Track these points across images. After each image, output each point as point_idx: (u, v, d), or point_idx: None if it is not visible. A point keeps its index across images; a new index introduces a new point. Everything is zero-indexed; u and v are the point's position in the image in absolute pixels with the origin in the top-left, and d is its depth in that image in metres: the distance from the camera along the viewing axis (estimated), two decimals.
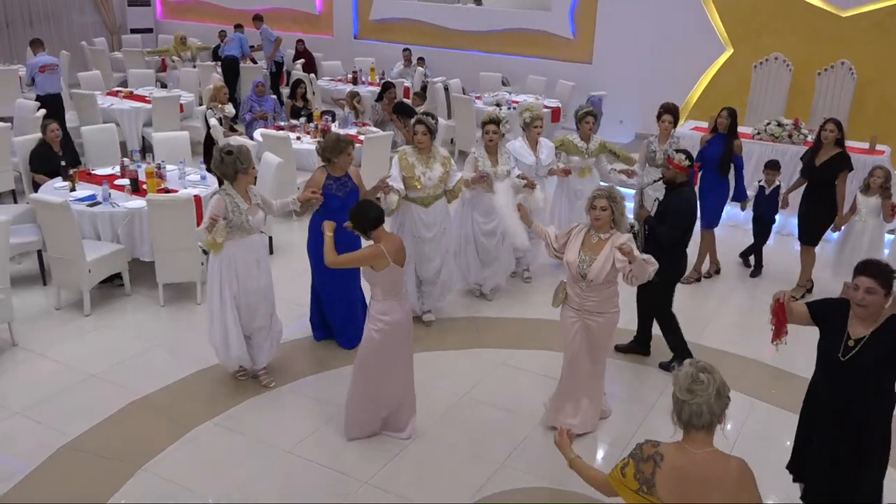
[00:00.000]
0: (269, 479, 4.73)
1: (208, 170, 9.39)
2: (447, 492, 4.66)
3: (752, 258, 8.18)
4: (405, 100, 11.08)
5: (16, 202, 9.07)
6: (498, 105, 11.79)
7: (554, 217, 7.90)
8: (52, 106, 10.37)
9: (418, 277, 6.58)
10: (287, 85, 14.16)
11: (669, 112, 7.65)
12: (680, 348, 5.93)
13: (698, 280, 7.84)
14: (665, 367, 5.97)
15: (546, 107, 11.88)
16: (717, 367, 2.94)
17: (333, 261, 4.81)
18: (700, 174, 7.70)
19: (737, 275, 8.10)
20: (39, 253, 7.11)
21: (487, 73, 13.62)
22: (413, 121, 6.46)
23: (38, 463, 4.76)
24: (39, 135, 7.98)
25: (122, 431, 5.10)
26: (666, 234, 5.69)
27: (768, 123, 9.90)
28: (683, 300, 7.10)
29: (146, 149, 11.03)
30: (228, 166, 5.26)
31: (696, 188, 7.54)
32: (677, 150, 5.76)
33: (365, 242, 4.93)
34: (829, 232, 7.53)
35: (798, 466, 4.29)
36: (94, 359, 5.95)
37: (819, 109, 10.97)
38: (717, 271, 8.03)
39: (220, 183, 5.58)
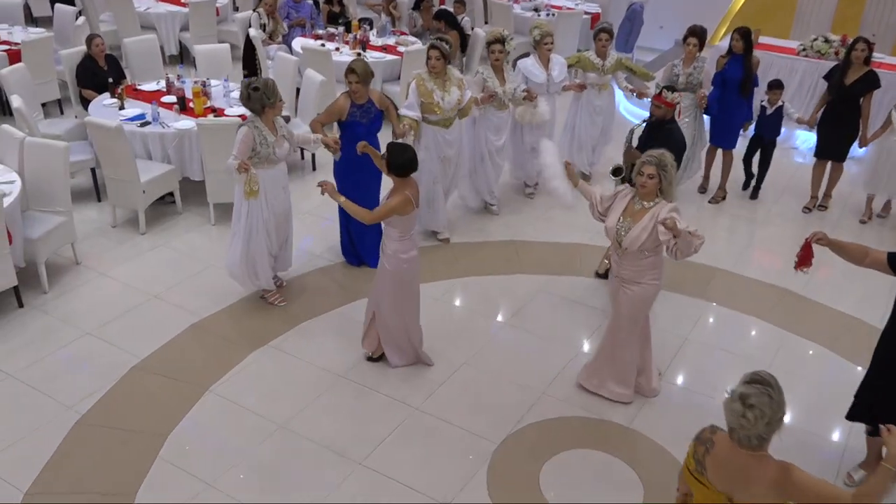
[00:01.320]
0: (326, 403, 5.09)
1: (248, 76, 9.54)
2: (492, 420, 5.00)
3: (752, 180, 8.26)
4: (444, 7, 10.89)
5: (62, 112, 9.25)
6: (536, 10, 11.61)
7: (574, 132, 8.10)
8: None
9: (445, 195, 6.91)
10: None
11: (695, 35, 7.54)
12: None
13: (724, 197, 8.07)
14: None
15: (586, 12, 11.65)
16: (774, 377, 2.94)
17: (370, 217, 4.86)
18: (716, 95, 7.68)
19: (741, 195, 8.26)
20: (93, 170, 7.33)
21: None
22: (427, 45, 6.55)
23: (114, 382, 5.15)
24: (84, 48, 8.05)
25: (187, 354, 5.46)
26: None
27: (815, 39, 9.69)
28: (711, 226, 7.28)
29: (183, 54, 11.08)
30: (255, 102, 5.42)
31: (706, 110, 7.70)
32: (666, 87, 5.71)
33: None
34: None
35: (863, 412, 4.40)
36: (153, 279, 6.27)
37: (869, 22, 10.66)
38: (705, 190, 8.22)
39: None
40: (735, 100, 7.66)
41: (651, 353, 5.17)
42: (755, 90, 7.77)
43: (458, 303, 6.20)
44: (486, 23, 12.21)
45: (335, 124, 6.24)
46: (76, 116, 8.29)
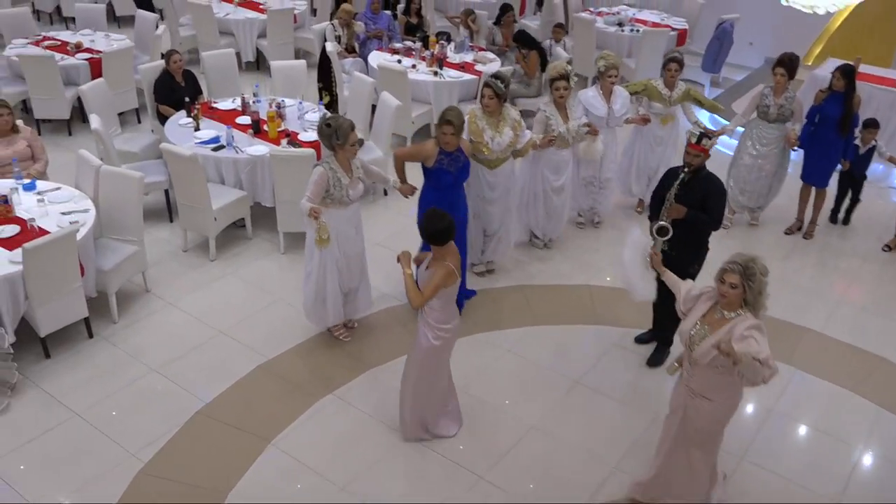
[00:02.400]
0: (389, 463, 4.93)
1: (322, 89, 9.45)
2: (563, 491, 4.77)
3: (839, 215, 7.93)
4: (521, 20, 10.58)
5: (139, 121, 9.30)
6: (620, 25, 11.18)
7: (633, 163, 7.77)
8: None
9: (484, 234, 6.63)
10: None
11: (782, 65, 7.13)
12: (667, 337, 5.82)
13: (799, 230, 7.78)
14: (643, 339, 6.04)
15: (672, 28, 11.18)
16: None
17: (419, 301, 4.53)
18: (811, 130, 7.35)
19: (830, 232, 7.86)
20: (167, 190, 7.31)
21: None
22: (481, 84, 6.22)
23: (177, 428, 5.09)
24: (163, 63, 8.03)
25: (251, 399, 5.37)
26: (713, 221, 5.29)
27: None
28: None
29: (259, 61, 11.05)
30: (326, 139, 5.33)
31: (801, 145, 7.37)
32: (703, 134, 5.22)
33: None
34: None
35: None
36: (221, 312, 6.21)
37: None
38: (800, 229, 7.80)
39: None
40: (831, 138, 7.27)
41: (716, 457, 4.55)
42: (855, 132, 7.35)
43: (529, 355, 5.96)
44: (566, 34, 11.83)
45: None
46: (152, 130, 8.29)
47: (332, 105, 9.44)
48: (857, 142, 7.44)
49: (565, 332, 6.22)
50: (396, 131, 8.53)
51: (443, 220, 4.51)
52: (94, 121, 6.93)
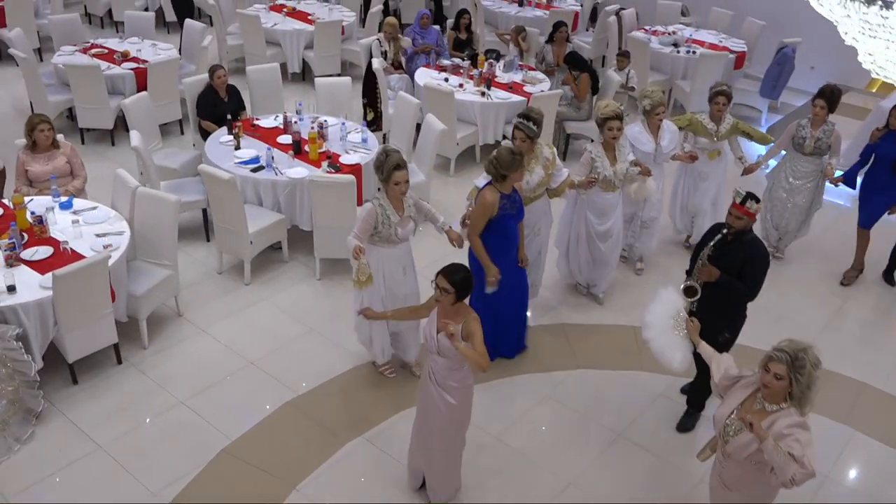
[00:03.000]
0: None
1: (367, 106, 9.27)
2: None
3: None
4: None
5: (182, 132, 9.23)
6: (675, 46, 10.81)
7: (676, 199, 7.39)
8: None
9: None
10: None
11: (823, 97, 6.79)
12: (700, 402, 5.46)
13: (857, 276, 7.35)
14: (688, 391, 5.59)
15: (730, 50, 10.77)
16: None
17: (486, 360, 4.15)
18: (858, 169, 7.07)
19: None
20: (205, 210, 7.19)
21: (666, 1, 12.42)
22: (513, 125, 5.75)
23: (203, 466, 4.93)
24: (206, 77, 7.92)
25: (278, 438, 5.18)
26: (750, 291, 4.79)
27: None
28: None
29: (305, 72, 10.92)
30: (376, 170, 5.14)
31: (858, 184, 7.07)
32: (749, 195, 4.68)
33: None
34: None
35: None
36: (253, 341, 6.05)
37: None
38: (857, 276, 7.38)
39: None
40: (886, 179, 6.89)
41: None
42: None
43: (570, 402, 5.68)
44: (629, 61, 11.46)
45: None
46: (194, 145, 8.20)
47: (375, 122, 9.27)
48: None
49: (608, 379, 5.93)
50: (441, 152, 8.33)
51: (458, 272, 4.17)
52: (135, 138, 6.84)
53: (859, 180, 7.15)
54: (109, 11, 12.67)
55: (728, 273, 4.77)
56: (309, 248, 6.92)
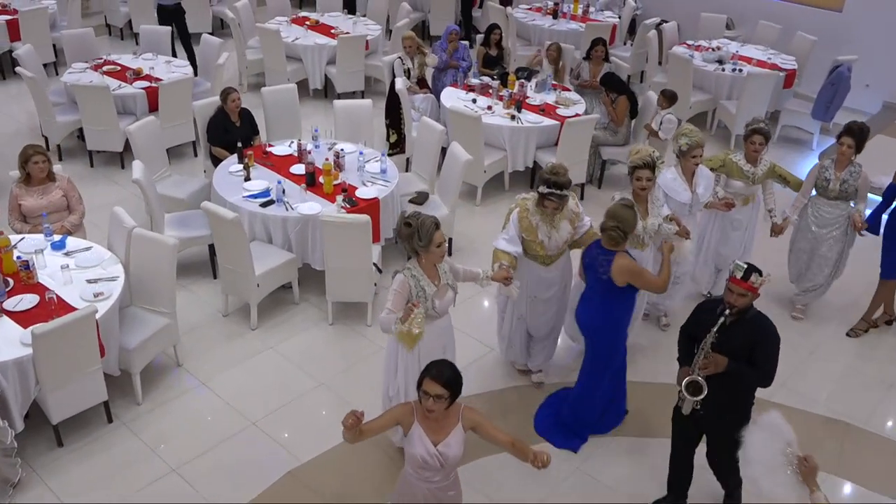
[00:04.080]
0: None
1: (389, 127, 8.73)
2: None
3: None
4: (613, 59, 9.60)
5: (195, 154, 8.78)
6: (720, 63, 10.12)
7: (701, 248, 6.51)
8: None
9: (529, 334, 5.66)
10: (480, 6, 12.98)
11: (850, 134, 6.04)
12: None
13: (867, 330, 6.61)
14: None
15: (779, 68, 10.06)
16: None
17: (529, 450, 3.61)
18: (881, 210, 6.32)
19: None
20: (212, 244, 6.71)
21: (710, 14, 11.71)
22: (538, 191, 5.12)
23: None
24: (218, 100, 7.44)
25: None
26: (765, 377, 4.12)
27: None
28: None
29: (327, 88, 10.42)
30: (406, 241, 4.47)
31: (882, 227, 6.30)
32: (752, 267, 4.01)
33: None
34: None
35: None
36: (257, 397, 5.54)
37: None
38: (890, 322, 6.66)
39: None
40: None
41: None
42: None
43: (601, 476, 5.09)
44: (659, 64, 10.85)
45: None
46: (205, 172, 7.73)
47: (399, 144, 8.74)
48: None
49: (637, 446, 5.32)
50: (467, 180, 7.76)
51: (448, 364, 3.64)
52: (137, 170, 6.37)
53: (883, 222, 6.35)
54: (129, 22, 12.28)
55: (736, 358, 4.09)
56: (322, 287, 6.38)
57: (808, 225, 6.36)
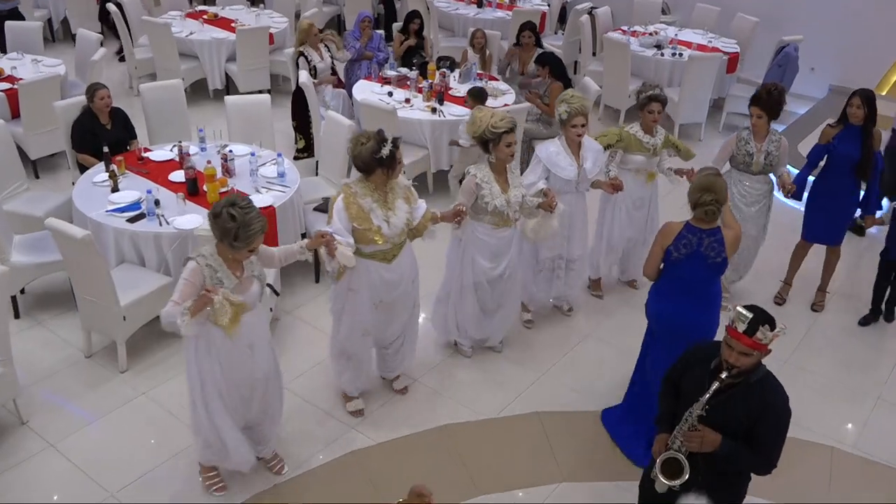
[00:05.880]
0: None
1: (297, 130, 7.70)
2: None
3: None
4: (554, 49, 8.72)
5: (70, 167, 7.55)
6: (658, 48, 9.37)
7: (602, 235, 5.89)
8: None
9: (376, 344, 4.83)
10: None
11: (757, 103, 5.43)
12: None
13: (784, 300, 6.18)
14: None
15: (721, 52, 9.32)
16: None
17: None
18: (805, 175, 5.90)
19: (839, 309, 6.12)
20: None
21: None
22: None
23: None
24: (84, 99, 6.29)
25: None
26: (767, 461, 3.16)
27: None
28: None
29: (230, 88, 9.29)
30: (220, 231, 3.63)
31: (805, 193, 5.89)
32: (762, 315, 3.04)
33: None
34: None
35: None
36: (120, 460, 4.42)
37: None
38: (784, 301, 6.18)
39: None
40: (846, 184, 5.73)
41: None
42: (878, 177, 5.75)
43: None
44: (593, 55, 10.04)
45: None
46: (73, 184, 6.53)
47: (307, 150, 7.68)
48: None
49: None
50: None
51: None
52: None
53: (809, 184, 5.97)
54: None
55: (729, 434, 3.14)
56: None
57: (735, 204, 5.59)
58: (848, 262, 6.51)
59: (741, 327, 3.01)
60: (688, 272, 4.16)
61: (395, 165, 4.20)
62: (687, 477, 3.15)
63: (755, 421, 3.09)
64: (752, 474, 3.31)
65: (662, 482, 3.18)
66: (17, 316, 5.55)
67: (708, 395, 3.09)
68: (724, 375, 3.07)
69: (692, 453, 3.17)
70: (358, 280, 4.34)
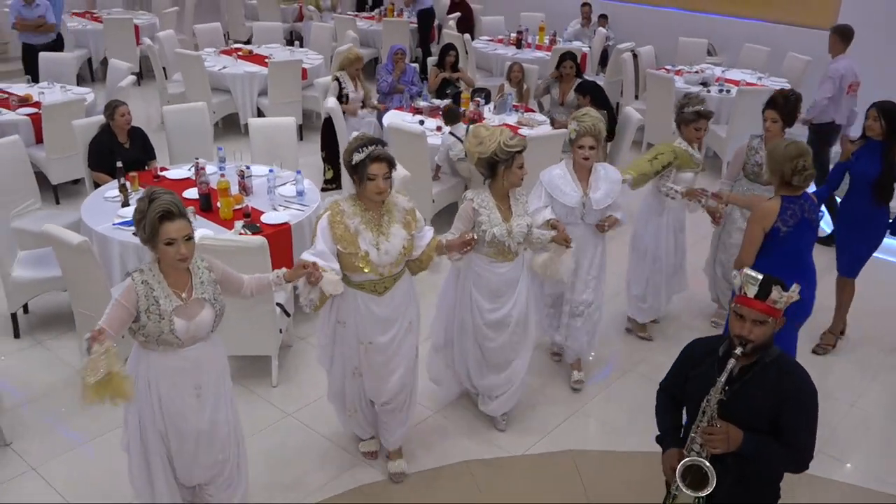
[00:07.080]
0: None
1: (326, 161, 7.45)
2: None
3: None
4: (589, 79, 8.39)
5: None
6: (704, 85, 8.98)
7: (655, 261, 5.27)
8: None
9: (370, 401, 4.05)
10: (437, 41, 11.88)
11: (773, 106, 4.99)
12: None
13: (835, 344, 5.46)
14: None
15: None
16: None
17: None
18: (825, 194, 5.51)
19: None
20: None
21: (690, 38, 10.65)
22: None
23: None
24: (102, 119, 6.11)
25: None
26: (796, 455, 2.70)
27: None
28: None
29: None
30: (136, 223, 3.04)
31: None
32: (769, 278, 2.67)
33: None
34: None
35: None
36: (102, 485, 4.01)
37: None
38: (842, 332, 5.50)
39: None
40: (865, 207, 5.11)
41: None
42: None
43: None
44: (636, 98, 9.71)
45: None
46: None
47: (334, 181, 7.41)
48: None
49: None
50: None
51: None
52: None
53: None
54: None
55: (753, 428, 2.67)
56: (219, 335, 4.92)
57: (743, 215, 5.07)
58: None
59: (752, 291, 2.64)
60: (798, 243, 4.06)
61: (364, 177, 3.49)
62: (713, 485, 2.63)
63: (778, 409, 2.64)
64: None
65: (687, 494, 2.65)
66: (17, 335, 5.26)
67: (725, 376, 2.63)
68: (737, 352, 2.64)
69: (714, 457, 2.67)
70: (346, 310, 3.72)
